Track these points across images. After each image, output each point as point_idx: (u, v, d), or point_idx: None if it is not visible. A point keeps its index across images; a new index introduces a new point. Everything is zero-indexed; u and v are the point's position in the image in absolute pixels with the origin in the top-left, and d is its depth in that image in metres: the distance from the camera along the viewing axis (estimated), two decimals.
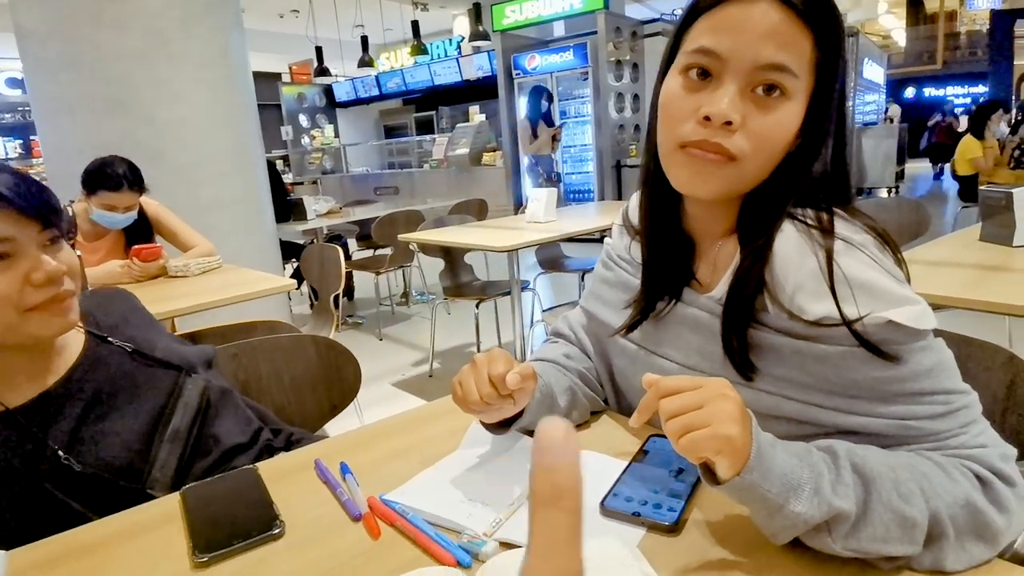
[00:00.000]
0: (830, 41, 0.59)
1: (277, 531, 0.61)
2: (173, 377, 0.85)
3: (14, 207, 0.69)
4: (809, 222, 0.61)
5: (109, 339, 0.84)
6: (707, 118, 0.58)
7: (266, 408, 1.02)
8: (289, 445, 0.93)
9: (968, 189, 5.65)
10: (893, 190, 8.90)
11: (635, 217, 0.79)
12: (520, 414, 0.73)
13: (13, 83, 12.58)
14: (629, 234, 0.81)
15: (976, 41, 16.16)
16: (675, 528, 0.58)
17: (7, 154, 13.52)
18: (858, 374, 0.57)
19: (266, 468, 0.74)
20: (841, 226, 0.61)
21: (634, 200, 0.81)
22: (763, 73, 0.58)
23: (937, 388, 0.57)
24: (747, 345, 0.62)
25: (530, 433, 0.77)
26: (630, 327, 0.76)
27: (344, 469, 0.72)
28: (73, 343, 0.81)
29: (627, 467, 0.68)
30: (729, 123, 0.58)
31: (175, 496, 0.69)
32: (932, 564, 0.51)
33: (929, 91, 17.24)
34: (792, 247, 0.60)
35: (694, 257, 0.73)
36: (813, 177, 0.63)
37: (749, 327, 0.62)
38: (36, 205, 0.71)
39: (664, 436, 0.72)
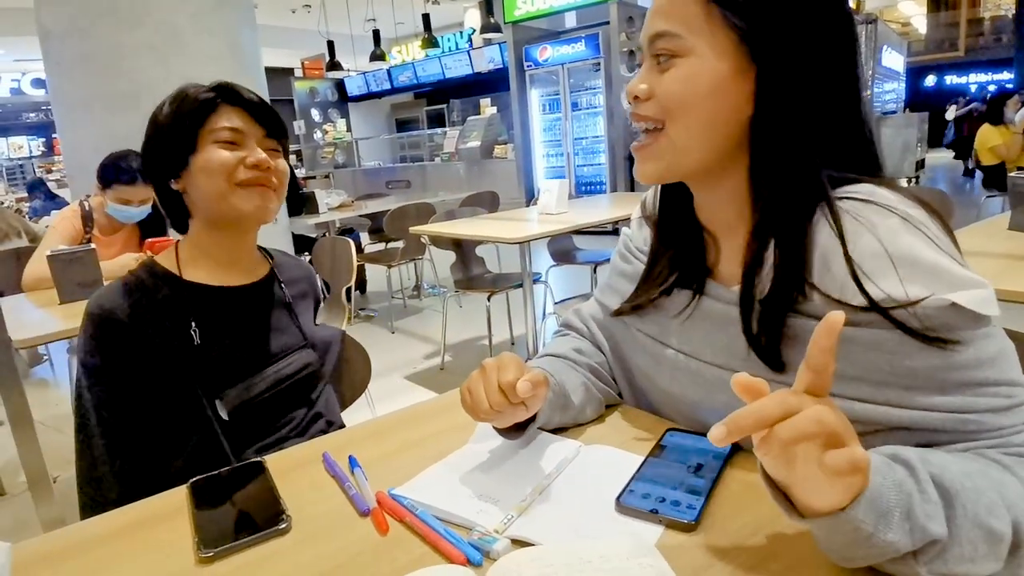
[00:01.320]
0: None
1: (283, 526, 0.60)
2: (298, 341, 1.03)
3: (247, 110, 0.92)
4: (861, 196, 0.58)
5: (281, 284, 1.04)
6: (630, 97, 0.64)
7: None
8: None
9: (992, 178, 5.53)
10: (913, 180, 8.74)
11: (652, 207, 0.78)
12: (533, 418, 0.70)
13: (38, 83, 12.79)
14: (648, 225, 0.79)
15: (1001, 26, 15.78)
16: (694, 526, 0.55)
17: (31, 152, 13.72)
18: (915, 361, 0.53)
19: (273, 461, 0.73)
20: (897, 200, 0.57)
21: (651, 190, 0.80)
22: (654, 45, 0.62)
23: (1000, 379, 0.52)
24: (779, 337, 0.59)
25: (544, 430, 0.75)
26: (633, 308, 0.75)
27: (352, 463, 0.71)
28: (260, 271, 1.03)
29: (643, 462, 0.65)
30: (637, 97, 0.63)
31: (182, 489, 0.68)
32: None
33: (951, 79, 16.89)
34: (845, 225, 0.57)
35: (709, 249, 0.71)
36: (818, 149, 0.59)
37: (787, 317, 0.59)
38: (265, 116, 0.94)
39: (681, 431, 0.72)
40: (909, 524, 0.43)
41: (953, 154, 10.64)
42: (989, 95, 9.87)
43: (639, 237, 0.81)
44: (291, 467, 0.73)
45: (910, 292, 0.52)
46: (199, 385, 0.89)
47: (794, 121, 0.59)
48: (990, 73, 16.25)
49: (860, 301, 0.54)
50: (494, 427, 0.72)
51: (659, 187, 0.76)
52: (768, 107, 0.59)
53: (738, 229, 0.66)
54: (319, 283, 1.15)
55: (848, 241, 0.56)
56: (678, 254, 0.72)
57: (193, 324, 0.91)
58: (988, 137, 5.57)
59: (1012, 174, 1.90)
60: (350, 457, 0.72)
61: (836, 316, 0.42)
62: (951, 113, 11.66)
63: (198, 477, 0.69)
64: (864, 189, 0.59)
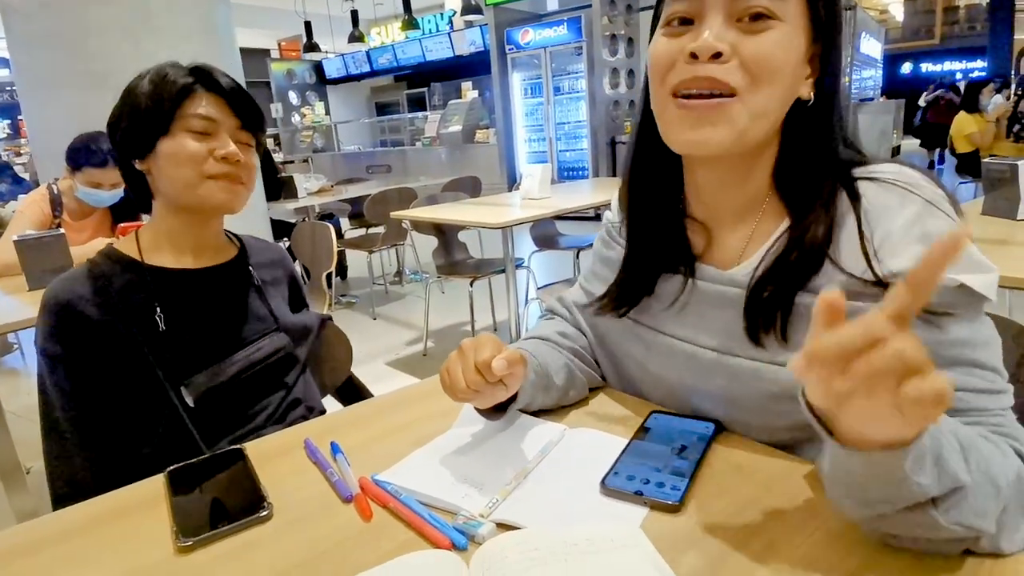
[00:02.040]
0: None
1: (264, 513, 0.59)
2: (270, 325, 1.00)
3: (225, 100, 0.90)
4: (888, 177, 0.59)
5: (250, 267, 1.02)
6: (694, 55, 0.56)
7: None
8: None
9: (966, 164, 5.64)
10: None
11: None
12: (514, 398, 0.70)
13: (2, 63, 12.34)
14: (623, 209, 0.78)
15: (975, 15, 16.00)
16: (679, 507, 0.55)
17: None
18: (920, 335, 0.53)
19: (253, 448, 0.72)
20: (923, 180, 0.58)
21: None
22: (743, 0, 0.56)
23: (987, 363, 0.55)
24: (788, 315, 0.60)
25: (527, 413, 0.75)
26: (615, 306, 0.74)
27: (335, 449, 0.70)
28: (227, 253, 1.00)
29: (628, 445, 0.65)
30: (718, 55, 0.56)
31: (159, 478, 0.67)
32: (990, 545, 0.47)
33: (926, 66, 17.12)
34: (880, 202, 0.58)
35: (694, 234, 0.70)
36: (841, 125, 0.61)
37: (796, 295, 0.59)
38: (242, 107, 0.91)
39: (666, 413, 0.72)
40: (938, 470, 0.42)
41: (919, 141, 10.56)
42: (955, 82, 9.97)
43: (620, 222, 0.80)
44: (271, 454, 0.71)
45: None
46: (164, 372, 0.87)
47: (835, 103, 0.61)
48: (964, 61, 16.50)
49: (871, 276, 0.55)
50: (476, 409, 0.72)
51: (631, 172, 0.73)
52: (824, 92, 0.60)
53: (745, 212, 0.66)
54: (296, 267, 1.12)
55: (871, 219, 0.57)
56: (660, 242, 0.71)
57: (158, 309, 0.88)
58: (964, 125, 5.67)
59: (986, 160, 1.93)
60: (332, 443, 0.71)
61: (962, 229, 0.38)
62: (924, 99, 11.76)
63: (175, 465, 0.68)
64: (891, 169, 0.60)
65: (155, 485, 0.66)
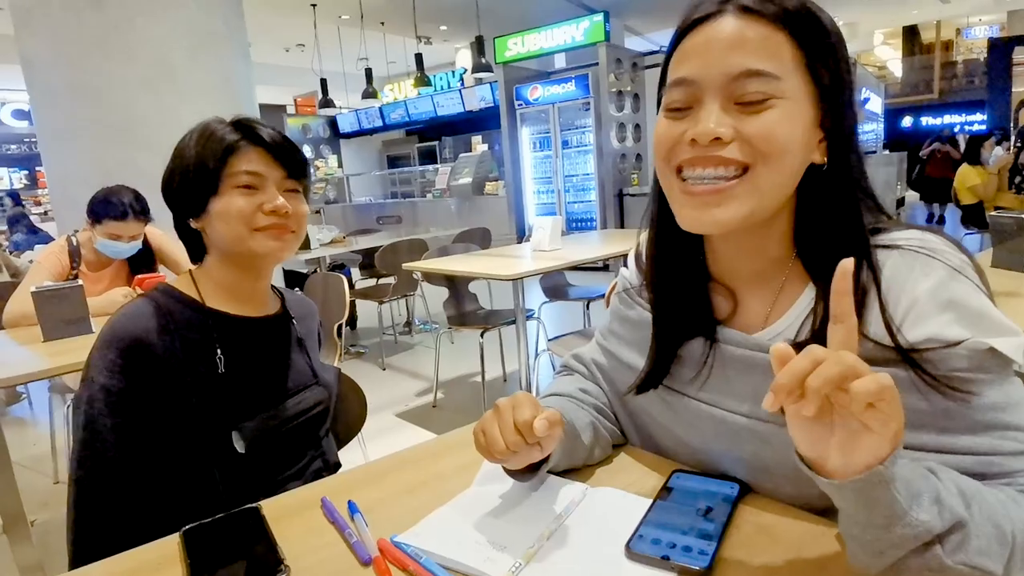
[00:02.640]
0: (812, 34, 0.57)
1: None
2: (310, 378, 1.03)
3: (269, 152, 0.91)
4: (912, 246, 0.58)
5: (293, 321, 1.05)
6: (695, 141, 0.57)
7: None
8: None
9: (971, 215, 5.68)
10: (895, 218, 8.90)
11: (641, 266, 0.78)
12: (545, 459, 0.69)
13: (19, 115, 12.80)
14: (642, 274, 0.78)
15: (973, 69, 16.37)
16: (708, 572, 0.54)
17: (12, 184, 13.65)
18: (952, 402, 0.54)
19: (270, 506, 0.71)
20: (944, 247, 0.58)
21: (643, 239, 0.79)
22: (740, 83, 0.56)
23: (1020, 424, 0.54)
24: None
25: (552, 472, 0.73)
26: (645, 382, 0.73)
27: (352, 508, 0.68)
28: (273, 305, 1.03)
29: (651, 506, 0.64)
30: (718, 139, 0.56)
31: (174, 537, 0.66)
32: None
33: (927, 119, 17.42)
34: (902, 271, 0.57)
35: (718, 297, 0.70)
36: (859, 187, 0.61)
37: None
38: (286, 157, 0.92)
39: (688, 472, 0.70)
40: (938, 507, 0.45)
41: (920, 196, 10.51)
42: (953, 135, 10.08)
43: (636, 282, 0.80)
44: (288, 512, 0.70)
45: (952, 333, 0.54)
46: (219, 415, 0.87)
47: (851, 168, 0.60)
48: (964, 114, 16.79)
49: (902, 342, 0.55)
50: (504, 468, 0.70)
51: (652, 243, 0.73)
52: (837, 144, 0.60)
53: (768, 276, 0.66)
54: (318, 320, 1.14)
55: (894, 288, 0.57)
56: (684, 308, 0.71)
57: (219, 351, 0.90)
58: (967, 177, 5.74)
59: (992, 213, 1.95)
60: (349, 502, 0.70)
61: (847, 262, 0.45)
62: (923, 152, 11.86)
63: (191, 525, 0.67)
64: (912, 235, 0.60)
65: (170, 546, 0.65)
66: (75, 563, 0.80)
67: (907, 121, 17.49)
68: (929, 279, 0.56)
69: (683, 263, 0.71)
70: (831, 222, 0.61)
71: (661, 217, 0.70)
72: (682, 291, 0.71)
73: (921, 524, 0.44)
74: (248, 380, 0.92)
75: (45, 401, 3.25)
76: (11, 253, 4.86)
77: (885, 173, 8.87)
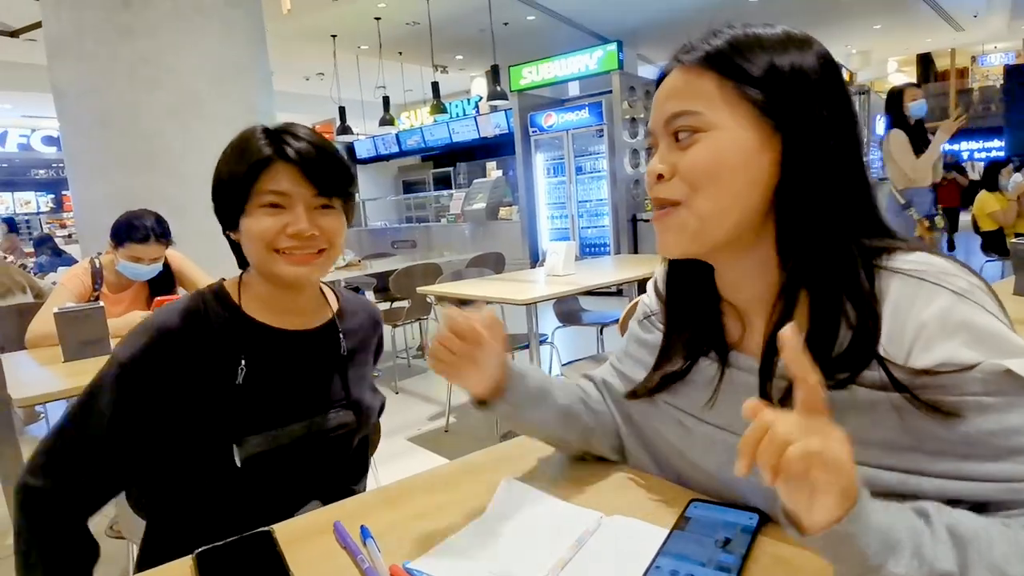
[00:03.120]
0: (739, 63, 0.60)
1: None
2: (341, 399, 0.98)
3: (298, 168, 0.85)
4: (915, 271, 0.57)
5: (342, 334, 0.99)
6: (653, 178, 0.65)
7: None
8: None
9: (991, 242, 5.61)
10: None
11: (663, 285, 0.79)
12: (504, 393, 0.76)
13: (49, 141, 13.18)
14: (660, 299, 0.79)
15: (989, 96, 16.33)
16: None
17: (39, 208, 14.00)
18: (971, 426, 0.52)
19: (282, 531, 0.70)
20: (953, 269, 0.57)
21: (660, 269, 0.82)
22: (671, 125, 0.63)
23: None
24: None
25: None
26: (652, 389, 0.75)
27: (364, 533, 0.68)
28: (320, 316, 0.99)
29: (668, 536, 0.63)
30: (661, 176, 0.63)
31: (187, 560, 0.65)
32: None
33: (943, 146, 17.33)
34: (907, 296, 0.56)
35: (729, 321, 0.71)
36: (843, 214, 0.60)
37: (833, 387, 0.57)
38: (317, 172, 0.86)
39: (706, 502, 0.69)
40: (917, 561, 0.45)
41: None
42: (960, 163, 10.02)
43: (657, 308, 0.81)
44: (300, 536, 0.70)
45: (964, 357, 0.52)
46: (224, 426, 0.86)
47: (819, 186, 0.59)
48: (981, 141, 16.68)
49: (921, 364, 0.54)
50: (472, 400, 0.77)
51: (667, 265, 0.76)
52: (794, 173, 0.60)
53: (772, 298, 0.65)
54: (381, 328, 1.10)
55: (900, 315, 0.56)
56: (695, 330, 0.72)
57: (243, 362, 0.88)
58: (986, 204, 5.69)
59: (1013, 240, 1.92)
60: (362, 527, 0.69)
61: (788, 333, 0.46)
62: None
63: (204, 548, 0.66)
64: (917, 259, 0.58)
65: (183, 568, 0.65)
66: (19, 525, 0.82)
67: None
68: (934, 304, 0.55)
69: (695, 286, 0.73)
70: (809, 241, 0.60)
71: None
72: (694, 313, 0.72)
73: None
74: (265, 394, 0.90)
75: None
76: (36, 274, 4.96)
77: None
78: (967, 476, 0.53)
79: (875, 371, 0.56)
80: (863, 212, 0.61)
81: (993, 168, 5.98)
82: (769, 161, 0.60)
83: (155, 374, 0.84)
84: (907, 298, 0.56)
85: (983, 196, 5.75)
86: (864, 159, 0.63)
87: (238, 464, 0.86)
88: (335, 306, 1.02)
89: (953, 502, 0.52)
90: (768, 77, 0.60)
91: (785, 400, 0.59)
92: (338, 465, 0.99)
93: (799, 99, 0.60)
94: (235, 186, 0.86)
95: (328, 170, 0.88)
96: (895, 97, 3.80)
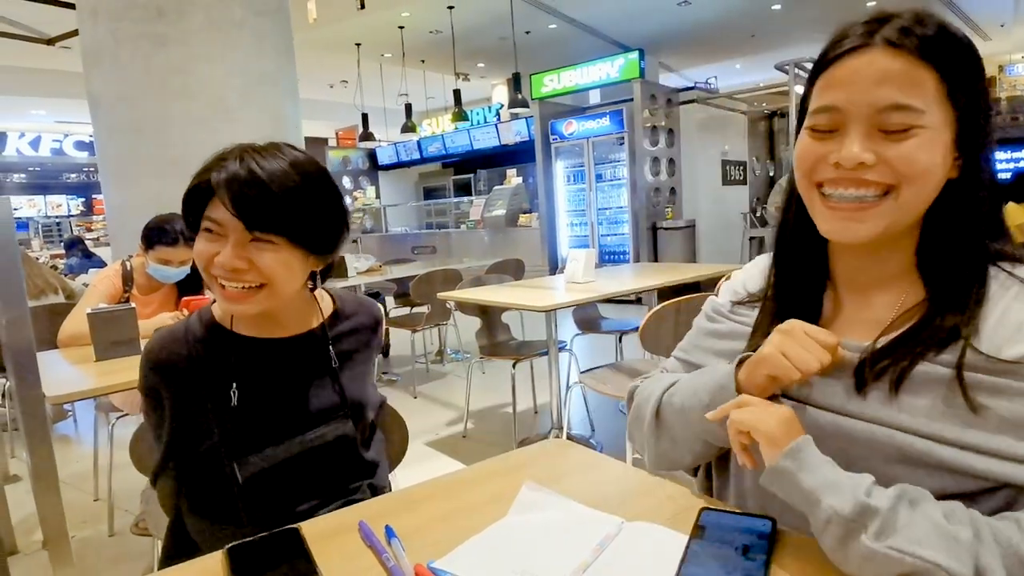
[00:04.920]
0: (953, 64, 0.60)
1: None
2: (338, 409, 0.97)
3: (228, 203, 0.81)
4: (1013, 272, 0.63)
5: (335, 339, 0.99)
6: (839, 164, 0.62)
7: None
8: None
9: None
10: None
11: (753, 285, 0.81)
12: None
13: (81, 146, 13.52)
14: (742, 302, 0.82)
15: (1018, 106, 15.98)
16: None
17: (70, 211, 14.34)
18: (1012, 406, 0.56)
19: (309, 529, 0.72)
20: None
21: (756, 266, 0.84)
22: (885, 115, 0.60)
23: None
24: (902, 379, 0.62)
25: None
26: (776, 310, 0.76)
27: (389, 533, 0.69)
28: (311, 320, 0.98)
29: (687, 546, 0.63)
30: (862, 163, 0.61)
31: (217, 555, 0.68)
32: None
33: None
34: (1011, 294, 0.61)
35: (831, 300, 0.74)
36: (986, 204, 0.64)
37: (919, 362, 0.62)
38: (245, 206, 0.81)
39: (717, 510, 0.70)
40: (852, 496, 0.54)
41: None
42: (1013, 173, 9.83)
43: (727, 303, 0.84)
44: (326, 534, 0.71)
45: None
46: (225, 447, 0.89)
47: (980, 191, 0.63)
48: (1010, 151, 16.34)
49: (1011, 355, 0.57)
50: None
51: (782, 246, 0.77)
52: (971, 167, 0.63)
53: (885, 284, 0.69)
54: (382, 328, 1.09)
55: (1012, 312, 0.60)
56: (794, 308, 0.73)
57: (234, 385, 0.90)
58: (1014, 215, 5.57)
59: None
60: (387, 527, 0.71)
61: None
62: None
63: (235, 543, 0.68)
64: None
65: (213, 562, 0.67)
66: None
67: None
68: None
69: (805, 266, 0.74)
70: (955, 236, 0.64)
71: (795, 222, 0.74)
72: (801, 289, 0.74)
73: (831, 509, 0.54)
74: (261, 411, 0.91)
75: (90, 420, 3.36)
76: (66, 276, 5.09)
77: None
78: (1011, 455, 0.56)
79: (951, 354, 0.60)
80: (995, 217, 0.66)
81: (1021, 179, 5.85)
82: (952, 161, 0.63)
83: (159, 400, 0.90)
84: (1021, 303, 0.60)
85: (1011, 208, 5.63)
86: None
87: (240, 481, 0.89)
88: (329, 309, 1.01)
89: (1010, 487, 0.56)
90: (970, 84, 0.61)
91: (880, 377, 0.63)
92: (346, 471, 1.00)
93: (981, 109, 0.62)
94: (187, 209, 0.86)
95: (261, 205, 0.81)
96: None
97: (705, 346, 0.84)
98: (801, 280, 0.75)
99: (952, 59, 0.60)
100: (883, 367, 0.63)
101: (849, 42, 0.61)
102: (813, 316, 0.72)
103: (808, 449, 0.59)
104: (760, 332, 0.75)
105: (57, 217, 13.89)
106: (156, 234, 2.17)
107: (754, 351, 0.69)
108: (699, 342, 0.85)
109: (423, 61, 8.99)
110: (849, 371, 0.65)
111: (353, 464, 1.01)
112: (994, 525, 0.53)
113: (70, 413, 3.78)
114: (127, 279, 2.28)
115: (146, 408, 0.92)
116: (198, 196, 0.84)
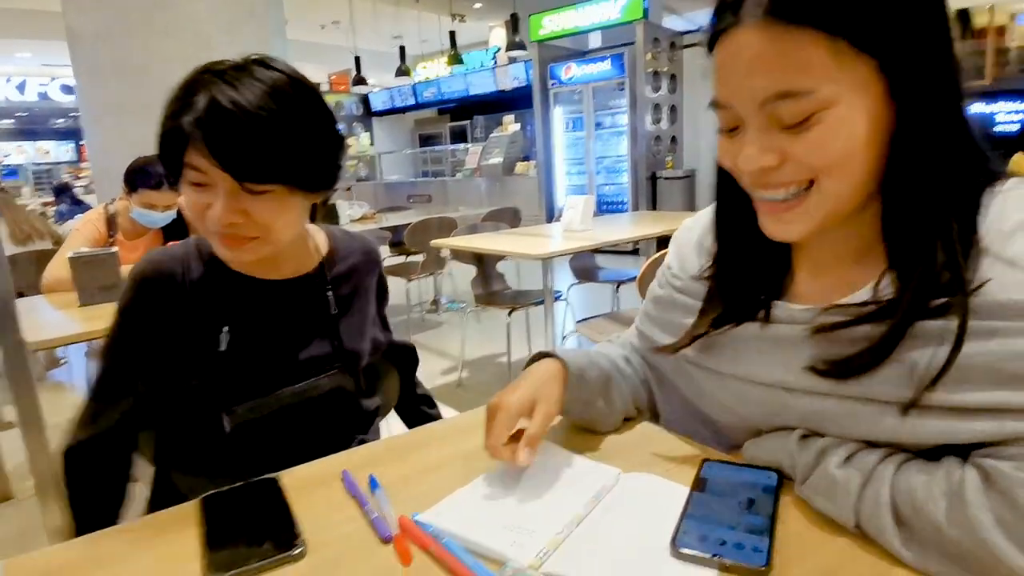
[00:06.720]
0: (856, 12, 0.48)
1: (297, 551, 0.55)
2: (334, 359, 0.92)
3: (208, 153, 0.71)
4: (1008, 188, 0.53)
5: (332, 283, 0.92)
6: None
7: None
8: None
9: None
10: None
11: (691, 263, 0.74)
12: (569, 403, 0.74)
13: (67, 90, 13.15)
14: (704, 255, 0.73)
15: None
16: (766, 571, 0.49)
17: (59, 157, 14.06)
18: (977, 349, 0.48)
19: (290, 478, 0.69)
20: None
21: (692, 231, 0.78)
22: (772, 107, 0.51)
23: None
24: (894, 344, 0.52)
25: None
26: (683, 347, 0.70)
27: (373, 483, 0.66)
28: (309, 263, 0.91)
29: (688, 498, 0.60)
30: (765, 167, 0.54)
31: (192, 503, 0.64)
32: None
33: (978, 107, 16.71)
34: (1009, 206, 0.52)
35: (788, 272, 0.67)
36: (952, 148, 0.53)
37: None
38: (231, 159, 0.71)
39: (720, 462, 0.66)
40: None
41: None
42: (993, 124, 9.67)
43: (684, 266, 0.76)
44: (307, 484, 0.68)
45: None
46: (211, 394, 0.84)
47: (939, 133, 0.52)
48: (1018, 101, 16.05)
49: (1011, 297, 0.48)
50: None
51: (716, 207, 0.69)
52: (915, 128, 0.52)
53: (851, 259, 0.61)
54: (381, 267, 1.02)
55: (1000, 220, 0.51)
56: (742, 277, 0.67)
57: (225, 329, 0.84)
58: (1021, 166, 5.48)
59: None
60: (371, 477, 0.67)
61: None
62: None
63: (210, 492, 0.65)
64: (1012, 182, 0.54)
65: (188, 511, 0.63)
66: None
67: None
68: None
69: (747, 232, 0.65)
70: (916, 194, 0.53)
71: (722, 190, 0.67)
72: (745, 259, 0.67)
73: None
74: (251, 359, 0.85)
75: (83, 366, 3.34)
76: (55, 223, 5.00)
77: None
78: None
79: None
80: (967, 151, 0.54)
81: None
82: (888, 119, 0.52)
83: (145, 323, 0.83)
84: (1010, 206, 0.52)
85: (1018, 158, 5.54)
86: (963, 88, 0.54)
87: (227, 431, 0.84)
88: (325, 249, 0.94)
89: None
90: (890, 18, 0.49)
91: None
92: (339, 425, 0.95)
93: (913, 39, 0.50)
94: (165, 154, 0.76)
95: (247, 153, 0.71)
96: None
97: (658, 318, 0.77)
98: (749, 258, 0.66)
99: (841, 9, 0.48)
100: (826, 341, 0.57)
101: (721, 22, 0.52)
102: (766, 284, 0.65)
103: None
104: (712, 306, 0.68)
105: (48, 164, 13.62)
106: (139, 176, 2.09)
107: (697, 337, 0.68)
108: (652, 311, 0.79)
109: (417, 0, 8.63)
110: (804, 350, 0.59)
111: (352, 416, 0.96)
112: (909, 469, 0.51)
113: (64, 360, 3.76)
114: (111, 223, 2.21)
115: (112, 332, 0.84)
116: (173, 141, 0.73)
